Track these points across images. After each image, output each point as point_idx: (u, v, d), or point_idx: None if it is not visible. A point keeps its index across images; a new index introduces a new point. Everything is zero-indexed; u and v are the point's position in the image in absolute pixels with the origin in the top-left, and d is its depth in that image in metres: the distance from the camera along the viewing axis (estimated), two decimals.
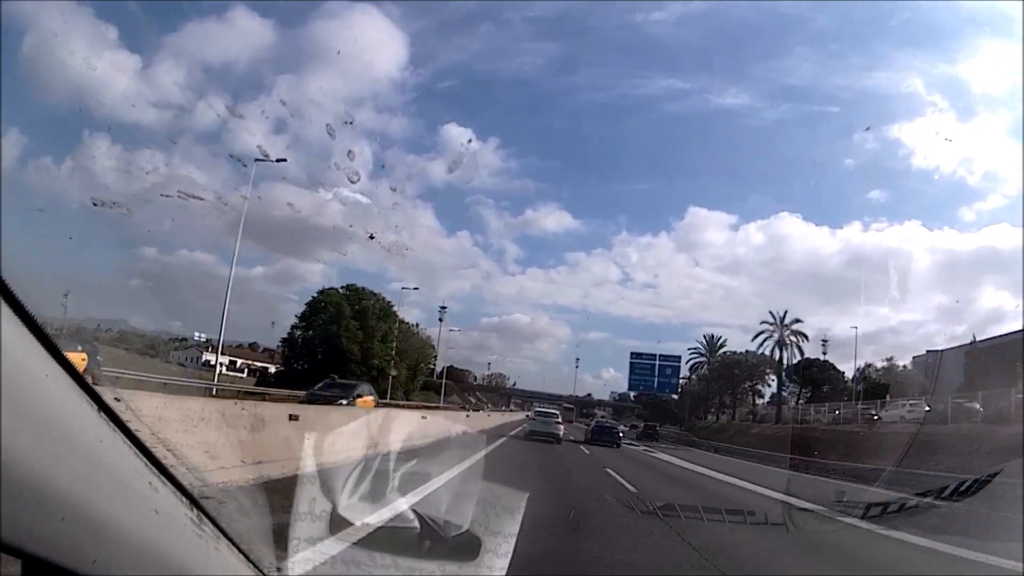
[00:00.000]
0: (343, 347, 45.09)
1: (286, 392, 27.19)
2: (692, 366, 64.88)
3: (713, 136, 78.36)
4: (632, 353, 60.61)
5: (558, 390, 74.29)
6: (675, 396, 66.64)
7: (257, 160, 30.54)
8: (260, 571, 1.84)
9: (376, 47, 61.48)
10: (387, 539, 3.67)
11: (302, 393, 22.01)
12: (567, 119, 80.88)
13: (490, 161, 74.36)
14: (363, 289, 50.27)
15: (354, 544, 3.66)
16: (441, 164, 68.05)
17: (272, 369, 53.81)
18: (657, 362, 59.57)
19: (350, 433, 8.62)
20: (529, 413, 35.69)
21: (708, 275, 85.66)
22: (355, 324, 46.59)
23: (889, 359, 48.30)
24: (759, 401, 60.15)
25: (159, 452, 1.38)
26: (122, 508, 1.22)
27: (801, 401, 51.70)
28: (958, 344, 36.47)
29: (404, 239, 61.00)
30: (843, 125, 71.06)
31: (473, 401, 68.95)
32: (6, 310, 1.01)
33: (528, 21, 74.64)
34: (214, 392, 23.71)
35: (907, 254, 57.60)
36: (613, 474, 13.61)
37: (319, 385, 22.46)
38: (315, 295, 49.15)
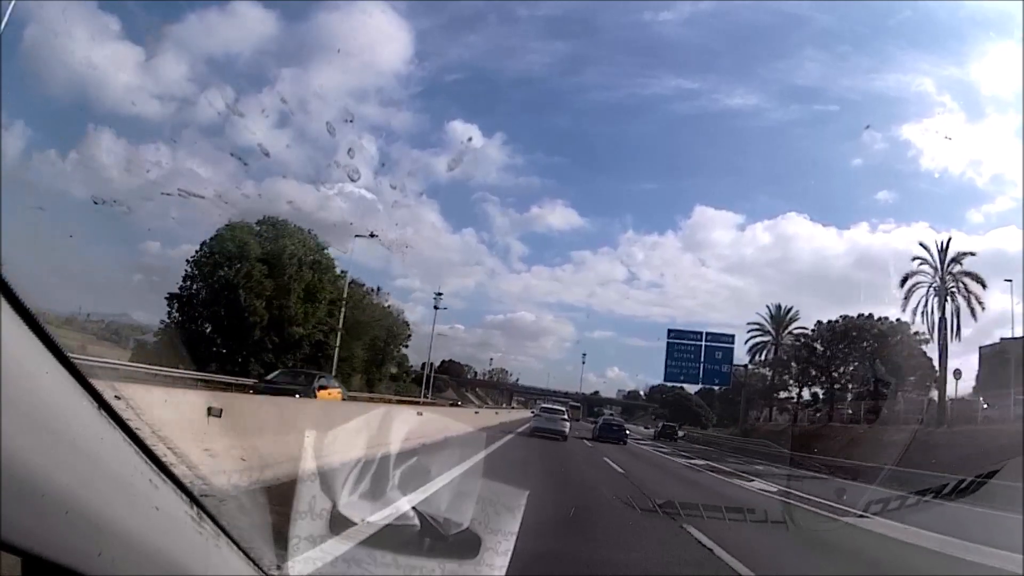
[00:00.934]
0: (241, 304, 31.34)
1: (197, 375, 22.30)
2: (753, 348, 48.35)
3: (721, 136, 78.88)
4: (670, 331, 44.20)
5: (563, 388, 71.29)
6: (727, 388, 51.36)
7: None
8: (260, 569, 1.84)
9: (382, 42, 61.50)
10: (387, 537, 3.67)
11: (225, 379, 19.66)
12: (574, 118, 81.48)
13: (496, 157, 74.75)
14: (285, 223, 35.37)
15: (354, 543, 3.66)
16: (445, 160, 67.96)
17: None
18: (703, 343, 43.36)
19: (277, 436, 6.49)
20: (534, 410, 35.50)
21: (714, 275, 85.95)
22: (262, 270, 32.47)
23: None
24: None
25: (159, 450, 1.38)
26: (122, 506, 1.22)
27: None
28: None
29: (408, 236, 60.41)
30: (852, 126, 71.49)
31: (474, 400, 67.17)
32: (6, 308, 1.01)
33: (536, 20, 74.80)
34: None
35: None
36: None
37: (274, 374, 20.81)
38: (216, 233, 33.63)
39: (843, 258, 71.93)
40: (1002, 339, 33.33)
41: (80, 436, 1.15)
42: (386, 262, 75.62)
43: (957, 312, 31.52)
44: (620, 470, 15.08)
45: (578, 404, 61.35)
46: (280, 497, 4.03)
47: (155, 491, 1.32)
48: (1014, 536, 8.03)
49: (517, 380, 77.19)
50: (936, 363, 32.75)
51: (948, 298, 31.76)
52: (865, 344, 39.72)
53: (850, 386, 41.81)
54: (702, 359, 42.98)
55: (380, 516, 3.68)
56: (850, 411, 38.37)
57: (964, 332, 31.98)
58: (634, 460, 20.37)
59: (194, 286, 33.72)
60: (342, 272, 38.43)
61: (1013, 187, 52.09)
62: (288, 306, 33.02)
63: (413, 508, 3.75)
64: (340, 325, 36.00)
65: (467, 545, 3.56)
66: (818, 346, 42.95)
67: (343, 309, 36.53)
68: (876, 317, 39.70)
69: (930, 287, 32.41)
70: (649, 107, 79.88)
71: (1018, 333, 31.56)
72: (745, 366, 48.74)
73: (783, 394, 49.39)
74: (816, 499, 11.65)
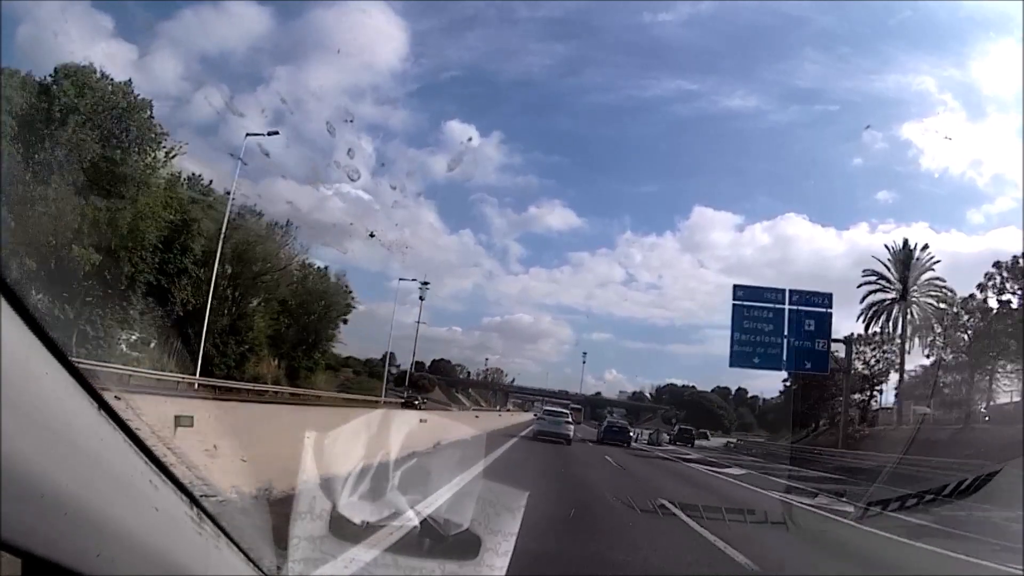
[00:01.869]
0: None
1: None
2: (872, 310, 34.63)
3: (720, 137, 78.35)
4: (736, 287, 28.64)
5: (563, 388, 67.18)
6: (824, 374, 31.07)
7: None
8: (260, 570, 1.84)
9: (379, 41, 61.41)
10: (387, 538, 3.67)
11: None
12: (573, 119, 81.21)
13: (494, 157, 74.25)
14: (87, 69, 23.51)
15: (355, 543, 3.66)
16: (443, 161, 67.76)
17: None
18: (786, 306, 27.75)
19: None
20: (537, 412, 34.99)
21: (713, 276, 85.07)
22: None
23: None
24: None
25: (159, 451, 1.38)
26: (122, 506, 1.22)
27: None
28: None
29: (406, 237, 59.67)
30: (852, 126, 71.22)
31: (465, 401, 64.31)
32: (6, 308, 1.01)
33: (536, 21, 74.55)
34: None
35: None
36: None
37: None
38: None
39: (843, 259, 71.80)
40: None
41: (80, 437, 1.15)
42: (384, 264, 75.25)
43: None
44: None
45: (579, 407, 56.85)
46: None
47: (155, 492, 1.32)
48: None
49: (513, 381, 73.05)
50: None
51: None
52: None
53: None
54: (785, 332, 27.49)
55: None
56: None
57: None
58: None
59: None
60: (253, 213, 25.72)
61: (1013, 187, 52.04)
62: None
63: (413, 509, 3.75)
64: (216, 265, 23.89)
65: (467, 546, 3.56)
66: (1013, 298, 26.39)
67: (220, 243, 24.17)
68: None
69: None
70: (648, 108, 79.63)
71: None
72: (850, 342, 31.42)
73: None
74: None
